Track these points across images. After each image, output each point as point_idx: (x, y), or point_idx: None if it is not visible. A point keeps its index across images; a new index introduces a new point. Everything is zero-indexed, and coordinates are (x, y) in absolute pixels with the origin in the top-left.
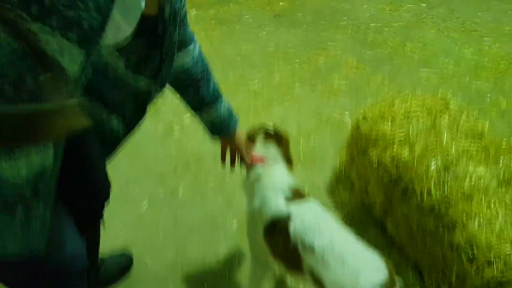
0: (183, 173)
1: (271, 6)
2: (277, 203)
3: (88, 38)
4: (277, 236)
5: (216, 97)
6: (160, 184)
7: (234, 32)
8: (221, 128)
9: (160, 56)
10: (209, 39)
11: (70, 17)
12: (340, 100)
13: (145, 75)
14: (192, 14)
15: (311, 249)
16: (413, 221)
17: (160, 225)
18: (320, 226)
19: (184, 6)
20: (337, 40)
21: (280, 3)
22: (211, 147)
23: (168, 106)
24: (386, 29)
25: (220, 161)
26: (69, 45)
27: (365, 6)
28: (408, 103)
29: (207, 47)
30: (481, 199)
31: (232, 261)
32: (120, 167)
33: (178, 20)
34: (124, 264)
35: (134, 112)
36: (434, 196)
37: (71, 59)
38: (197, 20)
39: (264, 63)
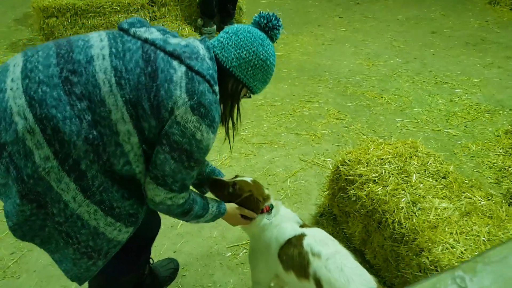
0: None
1: None
2: (294, 228)
3: None
4: (293, 249)
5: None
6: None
7: None
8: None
9: None
10: None
11: None
12: (323, 146)
13: None
14: None
15: (318, 255)
16: (388, 248)
17: (161, 252)
18: (326, 241)
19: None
20: (320, 93)
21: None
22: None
23: None
24: (364, 82)
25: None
26: None
27: (345, 62)
28: (381, 149)
29: None
30: (444, 229)
31: (227, 284)
32: None
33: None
34: (173, 268)
35: None
36: (404, 226)
37: None
38: None
39: (254, 114)
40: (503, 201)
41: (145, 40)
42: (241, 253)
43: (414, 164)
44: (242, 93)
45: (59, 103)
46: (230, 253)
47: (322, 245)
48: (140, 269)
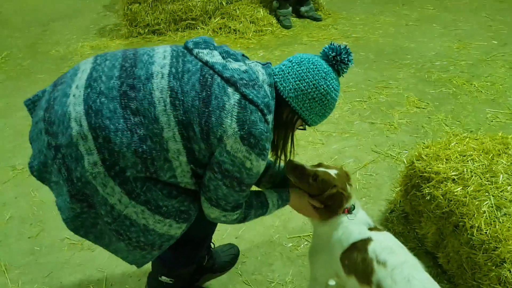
0: None
1: None
2: (361, 231)
3: None
4: (356, 254)
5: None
6: None
7: None
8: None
9: None
10: None
11: None
12: (399, 137)
13: None
14: (259, 55)
15: (384, 263)
16: (463, 255)
17: (223, 237)
18: (394, 249)
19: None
20: (400, 79)
21: (344, 43)
22: None
23: None
24: (451, 67)
25: None
26: None
27: (430, 45)
28: (465, 144)
29: None
30: None
31: (285, 275)
32: None
33: None
34: (233, 254)
35: None
36: (484, 233)
37: None
38: (263, 60)
39: None
40: None
41: (206, 63)
42: (302, 245)
43: (502, 163)
44: (297, 124)
45: (113, 115)
46: (291, 244)
47: (389, 252)
48: (199, 261)
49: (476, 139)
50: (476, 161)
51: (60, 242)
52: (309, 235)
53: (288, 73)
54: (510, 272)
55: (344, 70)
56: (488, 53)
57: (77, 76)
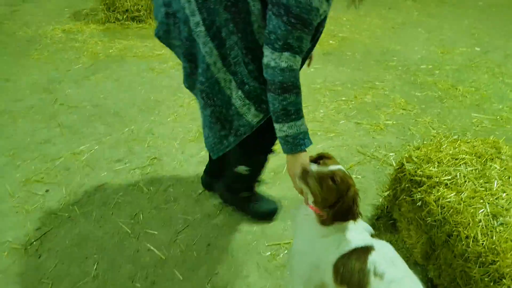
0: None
1: (320, 44)
2: (364, 237)
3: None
4: (354, 262)
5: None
6: (198, 205)
7: None
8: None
9: None
10: None
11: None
12: (386, 138)
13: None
14: None
15: (381, 276)
16: (457, 268)
17: (195, 245)
18: (395, 261)
19: None
20: (386, 80)
21: (330, 42)
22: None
23: None
24: (437, 71)
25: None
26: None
27: (416, 48)
28: (456, 147)
29: None
30: None
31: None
32: (161, 188)
33: None
34: (272, 208)
35: None
36: (481, 244)
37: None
38: None
39: (310, 98)
40: None
41: None
42: (282, 254)
43: (496, 168)
44: None
45: None
46: (269, 253)
47: (389, 265)
48: (268, 152)
49: (468, 142)
50: (469, 165)
51: (0, 246)
52: (289, 243)
53: None
54: None
55: None
56: (472, 60)
57: None
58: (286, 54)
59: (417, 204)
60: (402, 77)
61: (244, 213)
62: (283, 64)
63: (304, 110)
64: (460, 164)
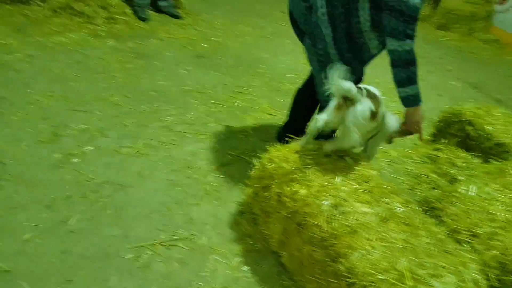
0: (77, 201)
1: (193, 47)
2: None
3: None
4: None
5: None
6: (50, 211)
7: (152, 67)
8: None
9: None
10: (124, 71)
11: None
12: (252, 140)
13: None
14: (108, 44)
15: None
16: (305, 252)
17: (46, 254)
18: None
19: None
20: (254, 86)
21: (202, 44)
22: (111, 176)
23: (69, 135)
24: (299, 80)
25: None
26: None
27: (282, 58)
28: (306, 149)
29: (122, 79)
30: (363, 234)
31: None
32: (3, 194)
33: None
34: None
35: None
36: (324, 230)
37: None
38: (113, 51)
39: (180, 100)
40: (418, 207)
41: None
42: (145, 255)
43: (339, 166)
44: None
45: None
46: (131, 255)
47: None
48: None
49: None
50: (319, 164)
51: None
52: (153, 244)
53: None
54: (344, 266)
55: None
56: None
57: None
58: (407, 41)
59: (274, 198)
60: (269, 84)
61: None
62: (407, 48)
63: (174, 112)
64: (311, 163)
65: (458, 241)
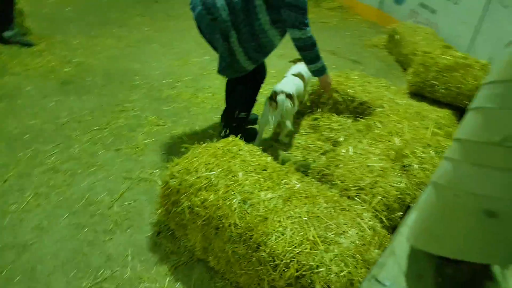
0: None
1: (55, 74)
2: None
3: None
4: None
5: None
6: None
7: (15, 108)
8: None
9: None
10: None
11: None
12: (148, 157)
13: None
14: None
15: None
16: (228, 251)
17: None
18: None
19: None
20: (134, 100)
21: (65, 69)
22: (8, 240)
23: None
24: (178, 83)
25: None
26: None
27: (154, 64)
28: (206, 153)
29: None
30: (273, 219)
31: None
32: None
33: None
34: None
35: None
36: (240, 226)
37: None
38: None
39: (58, 136)
40: (312, 178)
41: None
42: None
43: (237, 163)
44: None
45: None
46: None
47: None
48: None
49: (214, 145)
50: (219, 166)
51: None
52: None
53: None
54: (265, 252)
55: None
56: (205, 68)
57: None
58: (308, 29)
59: (187, 211)
60: (149, 94)
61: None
62: (308, 34)
63: (55, 150)
64: (213, 168)
65: (350, 197)
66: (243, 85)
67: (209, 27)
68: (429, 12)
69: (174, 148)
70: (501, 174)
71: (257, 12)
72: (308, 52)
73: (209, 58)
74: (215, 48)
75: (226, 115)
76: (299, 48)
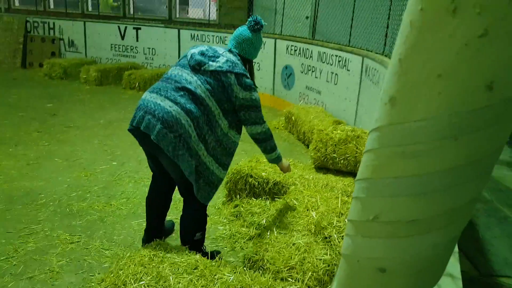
0: None
1: None
2: None
3: None
4: None
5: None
6: None
7: None
8: None
9: None
10: None
11: None
12: (66, 280)
13: None
14: None
15: None
16: None
17: None
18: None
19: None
20: (42, 220)
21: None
22: None
23: None
24: (88, 195)
25: None
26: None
27: (60, 178)
28: (131, 263)
29: None
30: None
31: None
32: None
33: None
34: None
35: None
36: None
37: None
38: None
39: None
40: (244, 268)
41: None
42: None
43: (166, 266)
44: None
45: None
46: None
47: None
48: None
49: (142, 255)
50: (147, 275)
51: None
52: None
53: (237, 44)
54: None
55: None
56: (114, 174)
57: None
58: (264, 124)
59: None
60: (58, 212)
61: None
62: (266, 127)
63: None
64: (141, 277)
65: (283, 279)
66: (194, 202)
67: (172, 144)
68: (316, 93)
69: (94, 264)
70: (383, 241)
71: (217, 120)
72: (267, 143)
73: (117, 163)
74: (172, 171)
75: (183, 241)
76: (261, 141)
